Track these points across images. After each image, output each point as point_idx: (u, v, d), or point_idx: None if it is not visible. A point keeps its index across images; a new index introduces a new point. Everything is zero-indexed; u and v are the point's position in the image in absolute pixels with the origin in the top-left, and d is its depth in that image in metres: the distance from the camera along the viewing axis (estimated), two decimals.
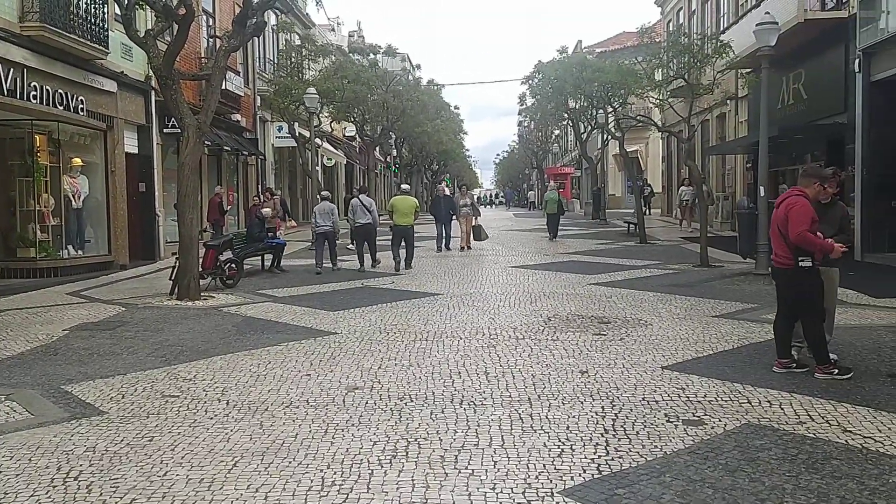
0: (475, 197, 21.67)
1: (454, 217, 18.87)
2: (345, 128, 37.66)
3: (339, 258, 15.48)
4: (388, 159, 44.06)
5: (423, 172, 56.05)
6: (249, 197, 24.40)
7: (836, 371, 6.08)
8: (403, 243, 15.21)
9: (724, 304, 9.93)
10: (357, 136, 36.18)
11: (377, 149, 39.58)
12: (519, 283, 12.57)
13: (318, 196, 17.08)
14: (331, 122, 27.35)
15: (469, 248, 18.55)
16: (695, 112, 17.55)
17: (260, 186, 25.37)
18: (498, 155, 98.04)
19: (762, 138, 12.51)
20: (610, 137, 29.45)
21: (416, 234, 15.92)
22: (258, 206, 18.53)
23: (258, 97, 25.92)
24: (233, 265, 12.89)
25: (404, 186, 18.44)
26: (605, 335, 8.05)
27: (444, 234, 18.73)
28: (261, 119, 26.65)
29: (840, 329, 7.64)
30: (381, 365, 6.87)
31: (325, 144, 31.59)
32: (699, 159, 26.59)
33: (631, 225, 23.19)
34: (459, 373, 6.54)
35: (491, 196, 73.31)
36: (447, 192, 20.58)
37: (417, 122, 36.04)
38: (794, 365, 6.15)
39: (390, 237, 15.49)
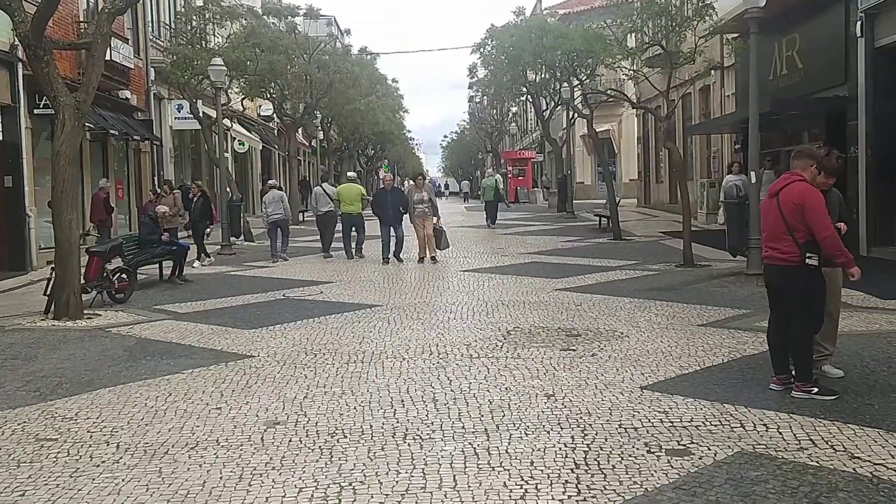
0: (434, 189, 19.78)
1: (404, 216, 16.97)
2: (259, 106, 37.21)
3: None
4: (313, 143, 43.76)
5: (356, 158, 55.79)
6: (143, 191, 23.96)
7: (816, 390, 6.24)
8: (354, 231, 17.50)
9: (711, 311, 10.13)
10: (275, 115, 35.79)
11: (300, 131, 39.22)
12: (472, 291, 12.61)
13: (266, 185, 20.75)
14: (242, 100, 27.00)
15: (434, 259, 16.40)
16: (674, 85, 17.83)
17: (156, 178, 24.91)
18: (446, 137, 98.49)
19: (752, 115, 12.80)
20: (576, 115, 29.82)
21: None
22: (155, 203, 18.22)
23: (151, 70, 25.44)
24: (123, 275, 12.65)
25: (350, 174, 20.61)
26: (574, 351, 8.13)
27: (393, 239, 16.73)
28: (155, 96, 26.16)
29: (844, 336, 7.85)
30: (307, 394, 6.81)
31: (236, 126, 31.16)
32: (680, 140, 27.11)
33: (603, 219, 23.50)
34: (402, 401, 6.53)
35: (440, 186, 74.79)
36: (392, 182, 18.52)
37: (348, 97, 35.83)
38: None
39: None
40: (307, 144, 45.82)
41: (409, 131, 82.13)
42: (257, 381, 7.29)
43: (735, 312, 10.00)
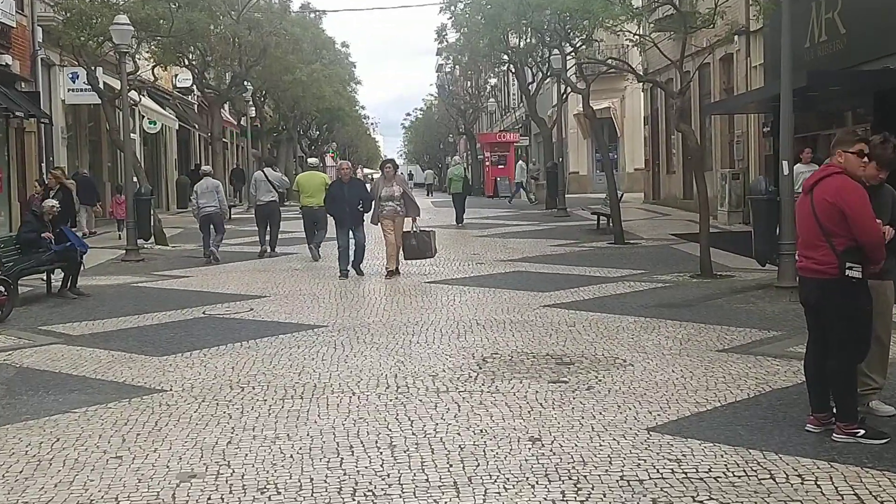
0: (409, 181, 19.68)
1: (365, 215, 16.18)
2: (176, 76, 37.00)
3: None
4: (242, 122, 43.53)
5: (296, 141, 55.68)
6: (28, 182, 23.67)
7: (862, 432, 6.28)
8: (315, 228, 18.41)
9: (734, 333, 10.19)
10: (195, 87, 35.57)
11: (226, 106, 39.05)
12: (441, 307, 12.60)
13: (200, 171, 21.98)
14: (153, 68, 26.77)
15: (396, 271, 15.79)
16: (689, 53, 17.94)
17: (44, 166, 24.63)
18: (409, 115, 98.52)
19: (784, 90, 12.89)
20: (569, 90, 29.95)
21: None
22: (42, 196, 18.00)
23: (39, 29, 25.15)
24: (1, 288, 12.48)
25: (311, 160, 22.06)
26: (565, 383, 8.12)
27: (354, 247, 16.08)
28: (44, 62, 25.88)
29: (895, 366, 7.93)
30: (231, 438, 6.76)
31: (146, 101, 30.98)
32: (696, 121, 27.30)
33: (602, 217, 23.60)
34: (351, 447, 6.49)
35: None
36: (350, 171, 17.52)
37: (286, 66, 35.78)
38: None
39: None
40: (235, 123, 45.58)
41: (363, 108, 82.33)
42: (169, 422, 7.21)
43: (763, 335, 10.06)
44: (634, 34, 17.46)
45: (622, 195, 23.55)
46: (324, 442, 6.61)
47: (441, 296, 13.72)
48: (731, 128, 26.53)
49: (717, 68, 26.88)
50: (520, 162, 45.70)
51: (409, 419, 7.13)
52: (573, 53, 25.60)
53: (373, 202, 16.04)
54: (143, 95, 29.76)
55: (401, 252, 15.86)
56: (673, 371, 8.48)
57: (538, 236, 23.42)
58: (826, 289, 6.39)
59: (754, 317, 11.18)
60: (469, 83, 60.80)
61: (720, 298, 12.65)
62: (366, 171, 73.34)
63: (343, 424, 7.03)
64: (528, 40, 30.67)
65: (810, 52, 19.21)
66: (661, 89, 23.66)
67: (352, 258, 16.14)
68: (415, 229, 15.99)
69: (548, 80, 34.66)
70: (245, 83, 34.99)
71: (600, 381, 8.18)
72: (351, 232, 16.07)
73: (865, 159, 6.45)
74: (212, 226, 18.91)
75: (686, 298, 12.75)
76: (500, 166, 52.72)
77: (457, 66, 58.18)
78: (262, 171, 20.48)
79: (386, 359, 9.33)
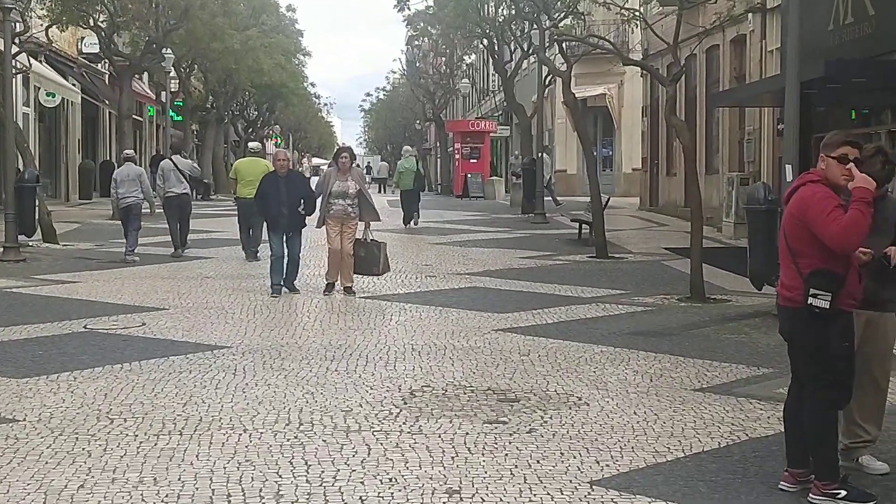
0: (366, 174, 19.66)
1: (306, 218, 15.67)
2: (81, 39, 36.76)
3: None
4: (162, 96, 43.29)
5: (229, 122, 55.46)
6: None
7: (844, 494, 6.26)
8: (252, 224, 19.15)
9: (717, 369, 10.23)
10: (102, 54, 35.28)
11: (142, 78, 38.83)
12: (372, 328, 12.58)
13: (122, 157, 22.85)
14: (47, 28, 26.57)
15: (350, 290, 15.27)
16: (694, 34, 17.97)
17: None
18: (369, 96, 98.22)
19: (789, 80, 12.91)
20: (550, 73, 29.95)
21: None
22: None
23: None
24: None
25: (253, 145, 23.28)
26: (504, 423, 8.10)
27: (288, 258, 15.46)
28: None
29: (893, 416, 7.92)
30: (84, 482, 6.67)
31: (42, 68, 30.71)
32: (699, 114, 27.37)
33: (584, 225, 23.58)
34: (229, 496, 6.43)
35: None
36: (288, 162, 16.87)
37: (213, 30, 35.57)
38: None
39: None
40: (154, 98, 45.30)
41: (314, 85, 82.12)
42: (13, 461, 7.11)
43: (751, 372, 10.09)
44: (623, 8, 17.48)
45: (608, 200, 23.57)
46: (196, 489, 6.54)
47: (375, 314, 13.71)
48: (741, 123, 26.61)
49: (727, 52, 26.96)
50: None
51: (306, 463, 7.07)
52: (553, 28, 25.63)
53: (319, 201, 15.45)
54: (40, 61, 29.50)
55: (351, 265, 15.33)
56: (635, 413, 8.47)
57: (506, 246, 23.47)
58: (794, 320, 6.40)
59: (744, 350, 11.21)
60: (441, 60, 60.65)
61: (708, 327, 12.70)
62: (315, 161, 72.40)
63: (224, 468, 6.95)
64: (506, 10, 30.71)
65: (834, 35, 19.29)
66: (652, 75, 23.57)
67: (285, 272, 15.53)
68: (366, 237, 15.47)
69: (531, 59, 34.65)
70: (164, 51, 34.78)
71: (546, 422, 8.15)
72: (285, 240, 15.40)
73: (850, 166, 6.43)
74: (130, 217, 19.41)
75: (667, 326, 12.79)
76: (472, 160, 52.47)
77: (425, 39, 58.12)
78: (171, 159, 21.34)
79: (293, 389, 9.27)
